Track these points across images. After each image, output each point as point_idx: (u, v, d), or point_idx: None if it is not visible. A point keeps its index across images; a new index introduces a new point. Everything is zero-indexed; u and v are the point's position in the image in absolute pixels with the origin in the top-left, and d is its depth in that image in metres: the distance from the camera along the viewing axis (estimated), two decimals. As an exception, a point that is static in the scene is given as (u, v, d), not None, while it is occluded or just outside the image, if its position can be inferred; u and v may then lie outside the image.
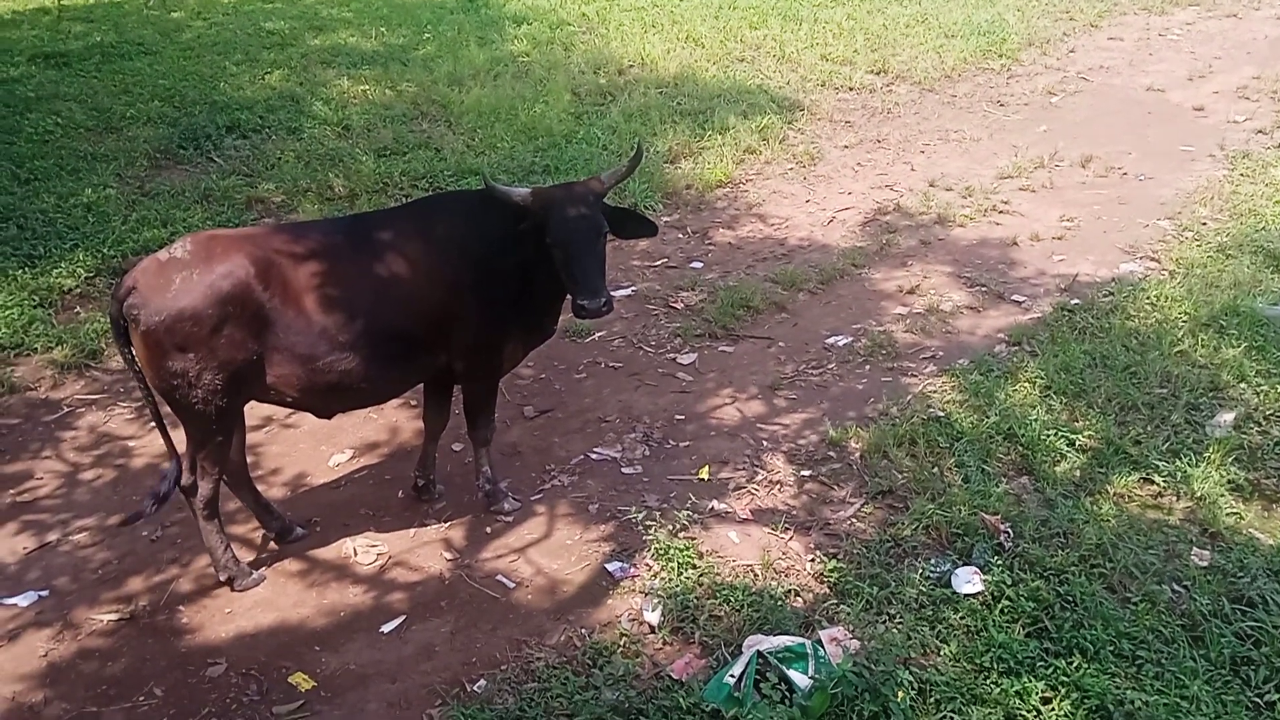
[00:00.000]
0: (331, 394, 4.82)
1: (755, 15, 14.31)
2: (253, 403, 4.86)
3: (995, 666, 4.35)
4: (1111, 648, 4.41)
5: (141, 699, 4.48)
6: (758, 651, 4.34)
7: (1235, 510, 5.31)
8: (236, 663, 4.65)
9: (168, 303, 4.33)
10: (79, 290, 7.57)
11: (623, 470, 5.89)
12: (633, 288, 7.89)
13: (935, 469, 5.65)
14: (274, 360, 4.58)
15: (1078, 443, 5.79)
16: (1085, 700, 4.17)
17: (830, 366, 6.84)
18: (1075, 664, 4.31)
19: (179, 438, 4.81)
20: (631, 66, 12.42)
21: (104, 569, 5.21)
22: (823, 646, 4.43)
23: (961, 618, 4.63)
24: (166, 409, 4.71)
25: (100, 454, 6.07)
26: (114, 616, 4.91)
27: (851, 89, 12.11)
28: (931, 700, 4.21)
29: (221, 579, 5.02)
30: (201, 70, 11.68)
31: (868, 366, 6.82)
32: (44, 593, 5.06)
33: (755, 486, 5.71)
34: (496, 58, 12.45)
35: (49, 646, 4.75)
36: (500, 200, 4.82)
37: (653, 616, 4.78)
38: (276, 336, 4.54)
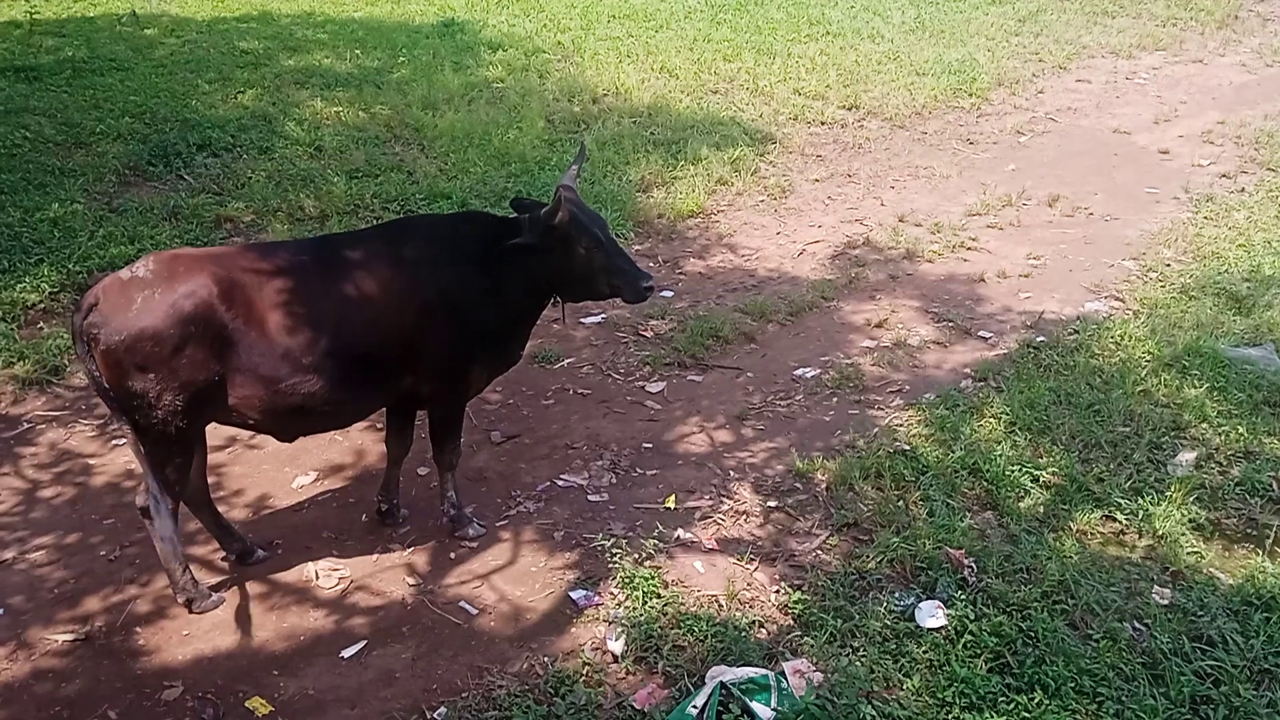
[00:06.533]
0: (294, 417, 4.77)
1: (729, 48, 14.42)
2: (215, 424, 4.81)
3: (958, 701, 4.34)
4: (1073, 684, 4.41)
5: (95, 721, 4.41)
6: (721, 683, 4.33)
7: (1196, 549, 5.34)
8: (193, 686, 4.58)
9: (128, 322, 4.28)
10: (43, 305, 7.49)
11: (589, 498, 5.87)
12: (602, 315, 7.88)
13: (900, 502, 5.66)
14: (236, 382, 4.54)
15: (1041, 479, 5.82)
16: (1046, 736, 4.18)
17: (798, 398, 6.86)
18: (1037, 700, 4.31)
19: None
20: (606, 95, 12.48)
21: (60, 588, 5.13)
22: (786, 678, 4.42)
23: (925, 652, 4.63)
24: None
25: (60, 471, 5.99)
26: (69, 637, 4.83)
27: (823, 123, 12.22)
28: (893, 734, 4.21)
29: (180, 601, 4.95)
30: (173, 87, 11.63)
31: (835, 399, 6.85)
32: (-2, 612, 4.99)
33: (721, 516, 5.70)
34: (471, 83, 12.49)
35: (2, 666, 4.66)
36: (510, 221, 5.00)
37: (616, 645, 4.75)
38: (239, 358, 4.49)
